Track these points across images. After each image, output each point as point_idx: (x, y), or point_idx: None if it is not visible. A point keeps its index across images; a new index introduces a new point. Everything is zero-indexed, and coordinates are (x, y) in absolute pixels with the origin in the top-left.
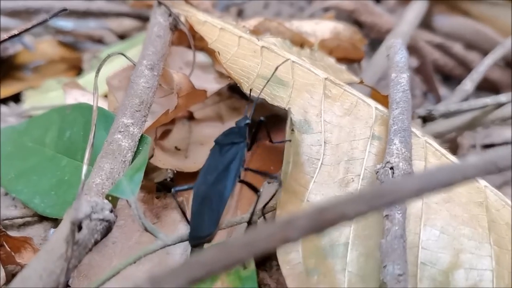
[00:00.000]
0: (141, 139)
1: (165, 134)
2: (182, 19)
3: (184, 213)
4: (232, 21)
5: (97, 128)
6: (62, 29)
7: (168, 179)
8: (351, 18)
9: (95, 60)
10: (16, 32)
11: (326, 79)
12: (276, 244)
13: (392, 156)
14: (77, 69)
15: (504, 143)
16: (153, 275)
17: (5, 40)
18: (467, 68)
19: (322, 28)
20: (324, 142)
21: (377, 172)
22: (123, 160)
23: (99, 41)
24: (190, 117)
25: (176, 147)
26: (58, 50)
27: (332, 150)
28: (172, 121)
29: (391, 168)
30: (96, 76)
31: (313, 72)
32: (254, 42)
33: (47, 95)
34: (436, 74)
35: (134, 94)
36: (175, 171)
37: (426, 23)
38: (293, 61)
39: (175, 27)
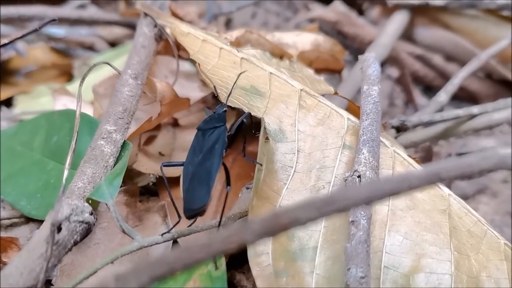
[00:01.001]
0: (123, 145)
1: (150, 139)
2: (168, 30)
3: (168, 189)
4: (214, 33)
5: (81, 134)
6: (54, 36)
7: (151, 184)
8: (334, 29)
9: (85, 67)
10: (7, 41)
11: (301, 90)
12: (232, 246)
13: (360, 165)
14: (68, 75)
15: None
16: (118, 274)
17: None
18: (447, 79)
19: (303, 39)
20: (298, 151)
21: (346, 180)
22: (105, 165)
23: (90, 48)
24: (175, 123)
25: (160, 153)
26: (50, 56)
27: (304, 158)
28: (158, 127)
29: (359, 176)
30: (80, 85)
31: (290, 84)
32: (234, 53)
33: (37, 100)
34: (417, 85)
35: (118, 102)
36: (158, 176)
37: (407, 35)
38: (271, 73)
39: (160, 37)
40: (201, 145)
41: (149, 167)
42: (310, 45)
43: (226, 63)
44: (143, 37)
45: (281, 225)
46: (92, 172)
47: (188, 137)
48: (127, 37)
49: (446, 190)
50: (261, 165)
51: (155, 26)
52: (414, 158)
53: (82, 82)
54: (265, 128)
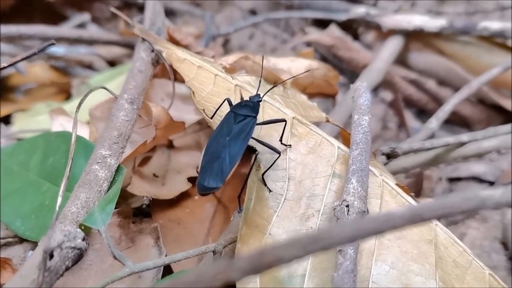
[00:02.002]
0: (118, 170)
1: (145, 161)
2: (164, 54)
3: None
4: (210, 58)
5: (77, 157)
6: (54, 55)
7: (145, 205)
8: (330, 52)
9: (83, 85)
10: (5, 64)
11: (294, 118)
12: (219, 283)
13: (348, 195)
14: (67, 93)
15: (471, 177)
16: None
17: None
18: (440, 103)
19: (297, 65)
20: (288, 179)
21: (335, 209)
22: (99, 190)
23: (89, 66)
24: (170, 145)
25: (154, 174)
26: (49, 74)
27: (295, 186)
28: (153, 149)
29: (347, 206)
30: (77, 111)
31: (282, 111)
32: (229, 80)
33: (35, 118)
34: (410, 108)
35: (113, 126)
36: (151, 198)
37: (401, 59)
38: (264, 100)
39: (157, 61)
40: (230, 128)
41: (142, 189)
42: (304, 70)
43: (221, 90)
44: (140, 61)
45: (266, 263)
46: (86, 197)
47: (182, 159)
48: (126, 56)
49: (433, 220)
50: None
51: (152, 51)
52: (402, 187)
53: (78, 108)
54: (256, 156)
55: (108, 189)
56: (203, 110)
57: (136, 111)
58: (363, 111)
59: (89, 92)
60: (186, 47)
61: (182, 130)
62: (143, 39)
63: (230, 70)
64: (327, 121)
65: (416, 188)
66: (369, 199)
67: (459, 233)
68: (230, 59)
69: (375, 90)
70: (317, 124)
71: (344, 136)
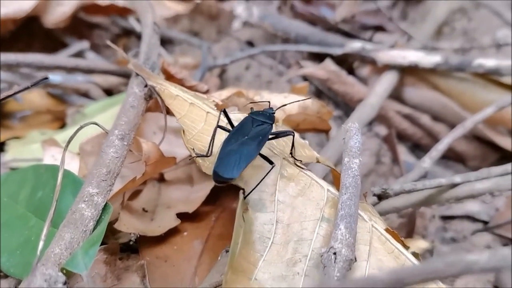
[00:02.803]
0: (104, 208)
1: (136, 194)
2: (157, 89)
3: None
4: (203, 95)
5: (65, 193)
6: (51, 82)
7: (132, 242)
8: (325, 85)
9: (78, 115)
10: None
11: (283, 159)
12: None
13: (336, 242)
14: (62, 121)
15: (465, 216)
16: None
17: None
18: (434, 138)
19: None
20: (276, 221)
21: (322, 256)
22: (84, 229)
23: (85, 94)
24: (161, 178)
25: (143, 209)
26: (46, 101)
27: (283, 229)
28: (144, 182)
29: (334, 253)
30: (65, 150)
31: (273, 152)
32: (220, 118)
33: (29, 147)
34: (405, 142)
35: (103, 163)
36: (138, 235)
37: (396, 94)
38: None
39: (150, 96)
40: (248, 130)
41: (130, 226)
42: (298, 107)
43: (212, 128)
44: (133, 96)
45: None
46: (70, 237)
47: (173, 193)
48: (123, 85)
49: None
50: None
51: (146, 85)
52: (392, 232)
53: (67, 146)
54: (244, 197)
55: (94, 228)
56: (193, 149)
57: (126, 147)
58: (353, 154)
59: (79, 128)
60: (180, 80)
61: (172, 165)
62: (137, 74)
63: (223, 107)
64: (318, 161)
65: (409, 227)
66: (357, 245)
67: None
68: (223, 94)
69: (370, 124)
70: (306, 164)
71: (335, 176)
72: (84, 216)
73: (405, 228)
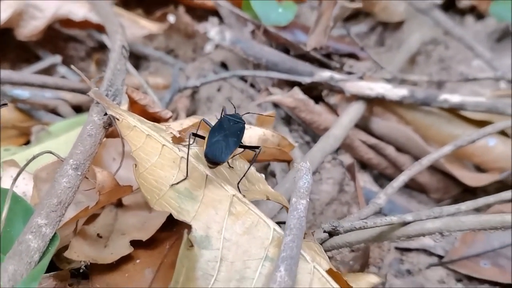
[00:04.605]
0: (52, 239)
1: (93, 218)
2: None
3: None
4: (162, 126)
5: (15, 221)
6: (19, 98)
7: (83, 269)
8: (293, 113)
9: (43, 132)
10: None
11: (234, 195)
12: None
13: (275, 284)
14: (27, 136)
15: (421, 249)
16: None
17: None
18: (398, 169)
19: (251, 134)
20: (221, 259)
21: None
22: (29, 261)
23: (53, 111)
24: (119, 203)
25: (98, 234)
26: (13, 115)
27: (227, 267)
28: (102, 206)
29: None
30: (13, 184)
31: (224, 188)
32: (175, 152)
33: None
34: (371, 171)
35: (54, 193)
36: (89, 263)
37: (363, 123)
38: (207, 175)
39: (109, 125)
40: (228, 126)
41: (81, 254)
42: (258, 139)
43: (165, 162)
44: (91, 125)
45: None
46: (14, 270)
47: (129, 220)
48: (92, 102)
49: None
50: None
51: (105, 114)
52: (335, 273)
53: (17, 176)
54: (188, 234)
55: (40, 260)
56: (143, 183)
57: (80, 177)
58: (301, 194)
59: (32, 159)
60: (143, 106)
61: (129, 193)
62: (97, 102)
63: (181, 139)
64: (268, 198)
65: (363, 260)
66: (297, 286)
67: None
68: (185, 123)
69: (336, 151)
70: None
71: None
72: (30, 248)
73: (359, 261)
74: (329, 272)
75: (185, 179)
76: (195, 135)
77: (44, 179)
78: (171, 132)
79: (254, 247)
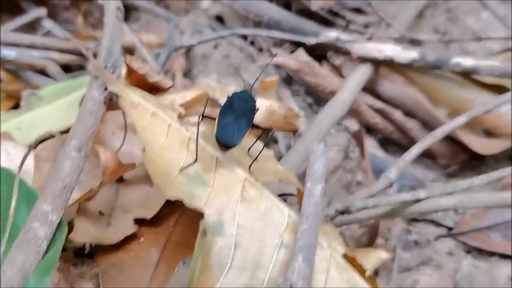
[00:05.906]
0: (59, 226)
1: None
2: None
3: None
4: (165, 102)
5: (19, 208)
6: (6, 58)
7: (87, 249)
8: (296, 76)
9: (34, 97)
10: None
11: (245, 180)
12: None
13: (293, 274)
14: (16, 99)
15: (429, 220)
16: None
17: None
18: (405, 134)
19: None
20: (235, 246)
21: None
22: (37, 250)
23: (42, 71)
24: (119, 178)
25: (100, 212)
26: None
27: (241, 254)
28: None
29: (290, 286)
30: (19, 172)
31: (235, 171)
32: (182, 132)
33: None
34: (376, 135)
35: (58, 177)
36: (93, 244)
37: (370, 86)
38: (217, 157)
39: (110, 100)
40: (238, 106)
41: (87, 235)
42: (265, 111)
43: (173, 143)
44: (92, 101)
45: None
46: (23, 260)
47: (131, 195)
48: (81, 61)
49: None
50: None
51: (106, 88)
52: (350, 258)
53: (21, 164)
54: (203, 220)
55: (47, 248)
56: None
57: (83, 158)
58: (317, 179)
59: (36, 143)
60: (143, 76)
61: (132, 169)
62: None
63: (186, 114)
64: (280, 180)
65: (371, 235)
66: (314, 274)
67: (412, 280)
68: (188, 95)
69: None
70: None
71: (299, 193)
72: (38, 236)
73: (367, 236)
74: (345, 256)
75: (195, 161)
76: (204, 117)
77: (44, 158)
78: (176, 109)
79: (269, 234)
